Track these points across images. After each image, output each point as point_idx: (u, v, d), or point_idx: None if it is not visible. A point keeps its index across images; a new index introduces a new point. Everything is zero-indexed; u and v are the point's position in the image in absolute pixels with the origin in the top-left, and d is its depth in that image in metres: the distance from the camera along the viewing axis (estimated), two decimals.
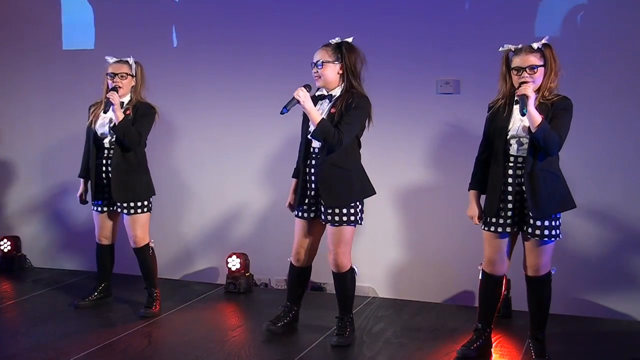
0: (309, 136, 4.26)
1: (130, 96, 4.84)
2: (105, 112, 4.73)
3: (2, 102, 6.25)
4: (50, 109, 6.08)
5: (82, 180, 5.03)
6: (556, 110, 3.87)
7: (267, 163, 5.54)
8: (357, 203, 4.29)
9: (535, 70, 3.87)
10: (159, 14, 5.78)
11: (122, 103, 4.79)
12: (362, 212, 4.35)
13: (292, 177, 4.49)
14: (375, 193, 4.38)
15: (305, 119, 4.30)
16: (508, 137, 3.95)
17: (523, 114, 3.80)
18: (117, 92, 4.72)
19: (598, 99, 4.78)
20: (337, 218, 4.25)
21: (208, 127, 5.69)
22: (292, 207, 4.49)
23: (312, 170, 4.30)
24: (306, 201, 4.35)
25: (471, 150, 4.19)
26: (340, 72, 4.24)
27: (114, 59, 4.83)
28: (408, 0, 5.16)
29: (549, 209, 3.89)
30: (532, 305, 4.08)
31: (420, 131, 5.18)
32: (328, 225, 4.31)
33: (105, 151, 4.85)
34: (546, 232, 3.92)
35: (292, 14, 5.42)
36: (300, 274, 4.54)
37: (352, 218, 4.26)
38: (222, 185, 5.70)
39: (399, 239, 5.30)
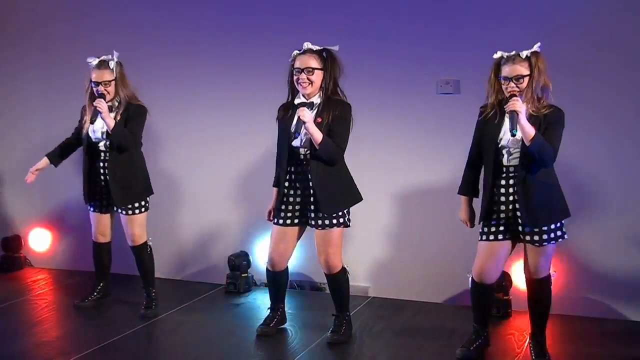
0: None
1: (118, 97, 4.79)
2: (92, 122, 4.68)
3: (2, 101, 6.25)
4: (50, 109, 6.08)
5: (45, 157, 5.01)
6: (549, 123, 3.84)
7: (267, 162, 5.53)
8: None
9: (522, 80, 3.84)
10: (156, 14, 5.78)
11: (110, 107, 4.75)
12: (349, 214, 4.37)
13: (274, 186, 4.48)
14: (362, 199, 4.41)
15: (285, 127, 4.30)
16: (499, 146, 3.93)
17: (513, 135, 3.77)
18: (105, 99, 4.69)
19: (599, 100, 4.78)
20: (326, 222, 4.27)
21: (208, 127, 5.68)
22: (271, 214, 4.48)
23: (299, 177, 4.31)
24: (290, 208, 4.35)
25: None
26: (326, 79, 4.25)
27: (95, 61, 4.75)
28: (408, 1, 5.16)
29: (543, 221, 3.87)
30: (533, 306, 4.08)
31: (420, 131, 5.18)
32: (316, 229, 4.32)
33: (102, 154, 4.84)
34: (544, 236, 3.91)
35: (292, 15, 5.41)
36: (279, 278, 4.53)
37: (341, 220, 4.29)
38: (222, 185, 5.69)
39: (399, 238, 5.30)
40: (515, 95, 3.81)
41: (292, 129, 4.22)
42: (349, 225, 4.36)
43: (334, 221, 4.27)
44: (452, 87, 5.08)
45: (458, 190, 4.19)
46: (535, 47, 3.88)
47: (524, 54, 3.86)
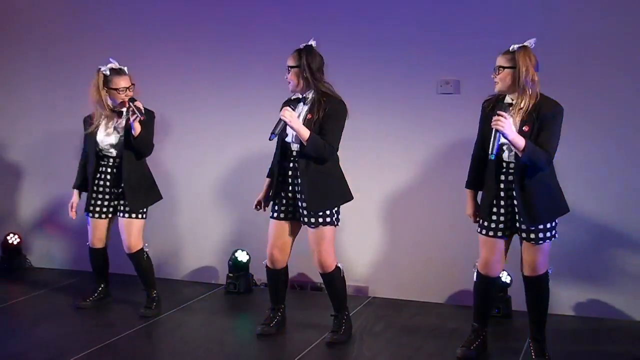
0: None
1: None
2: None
3: (3, 101, 6.25)
4: (51, 109, 6.08)
5: (76, 191, 5.03)
6: (544, 120, 3.81)
7: (265, 162, 5.53)
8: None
9: (499, 72, 3.85)
10: (155, 15, 5.78)
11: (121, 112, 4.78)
12: (339, 214, 4.36)
13: (267, 176, 4.49)
14: (352, 198, 4.40)
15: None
16: (500, 142, 3.92)
17: (492, 157, 3.79)
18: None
19: (595, 101, 4.78)
20: (319, 220, 4.26)
21: (207, 126, 5.69)
22: (259, 205, 4.49)
23: (290, 173, 4.31)
24: (284, 202, 4.36)
25: (471, 150, 4.18)
26: (304, 75, 4.22)
27: (114, 66, 4.71)
28: (408, 1, 5.16)
29: (541, 218, 3.87)
30: (531, 304, 4.08)
31: (420, 131, 5.18)
32: (308, 228, 4.32)
33: (111, 160, 4.83)
34: (540, 235, 3.91)
35: (293, 15, 5.42)
36: (279, 276, 4.53)
37: (330, 219, 4.29)
38: (221, 184, 5.70)
39: (399, 238, 5.30)
40: (503, 113, 3.75)
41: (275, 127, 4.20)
42: (337, 224, 4.35)
43: (327, 219, 4.27)
44: (452, 87, 5.09)
45: (465, 184, 4.19)
46: (526, 42, 3.87)
47: (512, 47, 3.87)
